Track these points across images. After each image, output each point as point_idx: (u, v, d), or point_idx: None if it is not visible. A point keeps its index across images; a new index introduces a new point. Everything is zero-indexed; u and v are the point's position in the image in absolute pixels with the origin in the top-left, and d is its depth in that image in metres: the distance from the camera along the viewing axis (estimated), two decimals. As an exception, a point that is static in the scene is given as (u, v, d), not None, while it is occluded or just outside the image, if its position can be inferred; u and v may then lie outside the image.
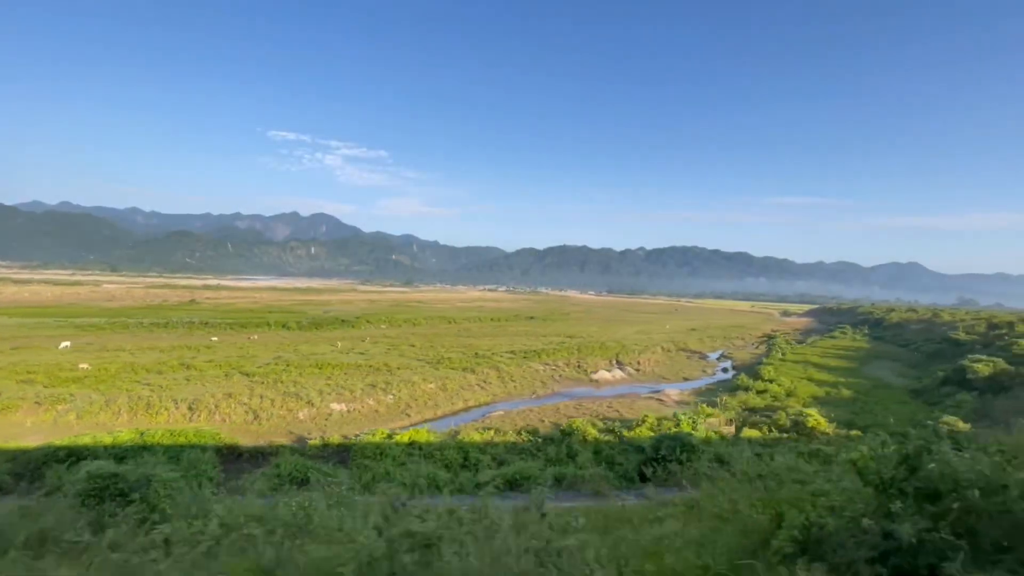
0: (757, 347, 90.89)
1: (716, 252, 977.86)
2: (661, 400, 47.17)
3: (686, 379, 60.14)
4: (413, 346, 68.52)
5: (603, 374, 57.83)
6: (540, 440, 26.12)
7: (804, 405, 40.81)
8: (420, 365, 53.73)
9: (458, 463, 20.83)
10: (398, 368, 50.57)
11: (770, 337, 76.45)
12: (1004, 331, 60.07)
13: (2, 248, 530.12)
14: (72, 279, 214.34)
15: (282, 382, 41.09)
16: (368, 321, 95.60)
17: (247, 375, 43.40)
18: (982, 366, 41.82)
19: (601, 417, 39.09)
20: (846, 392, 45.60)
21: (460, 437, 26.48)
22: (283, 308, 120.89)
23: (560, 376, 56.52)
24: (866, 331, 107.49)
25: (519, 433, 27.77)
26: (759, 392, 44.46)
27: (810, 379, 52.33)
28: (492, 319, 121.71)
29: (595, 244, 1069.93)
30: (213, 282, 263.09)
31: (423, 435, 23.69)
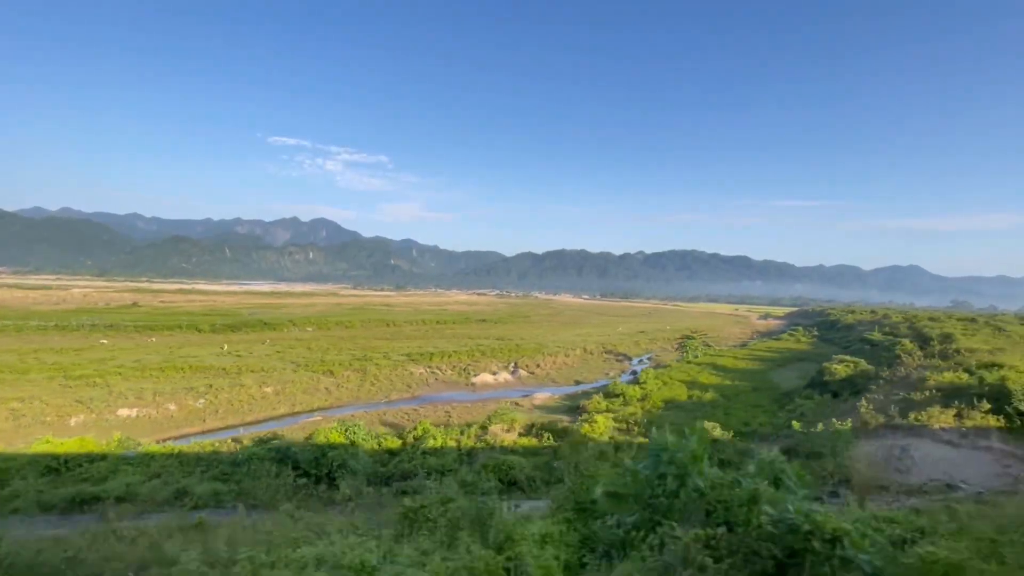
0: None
1: (715, 256, 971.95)
2: (519, 404, 44.51)
3: (578, 382, 57.40)
4: (309, 348, 66.16)
5: (485, 377, 55.17)
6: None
7: (650, 409, 38.23)
8: (285, 367, 51.29)
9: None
10: (252, 371, 48.15)
11: (688, 338, 73.55)
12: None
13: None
14: (41, 283, 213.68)
15: (94, 385, 38.81)
16: (294, 323, 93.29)
17: (71, 378, 41.08)
18: (842, 367, 38.96)
19: (432, 422, 36.56)
20: (710, 396, 42.78)
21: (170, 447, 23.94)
22: (223, 311, 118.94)
23: (436, 379, 53.99)
24: (815, 332, 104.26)
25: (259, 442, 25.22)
26: (612, 397, 41.75)
27: (693, 383, 49.45)
28: (439, 322, 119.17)
29: (594, 248, 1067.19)
30: (188, 286, 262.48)
31: (89, 444, 21.23)
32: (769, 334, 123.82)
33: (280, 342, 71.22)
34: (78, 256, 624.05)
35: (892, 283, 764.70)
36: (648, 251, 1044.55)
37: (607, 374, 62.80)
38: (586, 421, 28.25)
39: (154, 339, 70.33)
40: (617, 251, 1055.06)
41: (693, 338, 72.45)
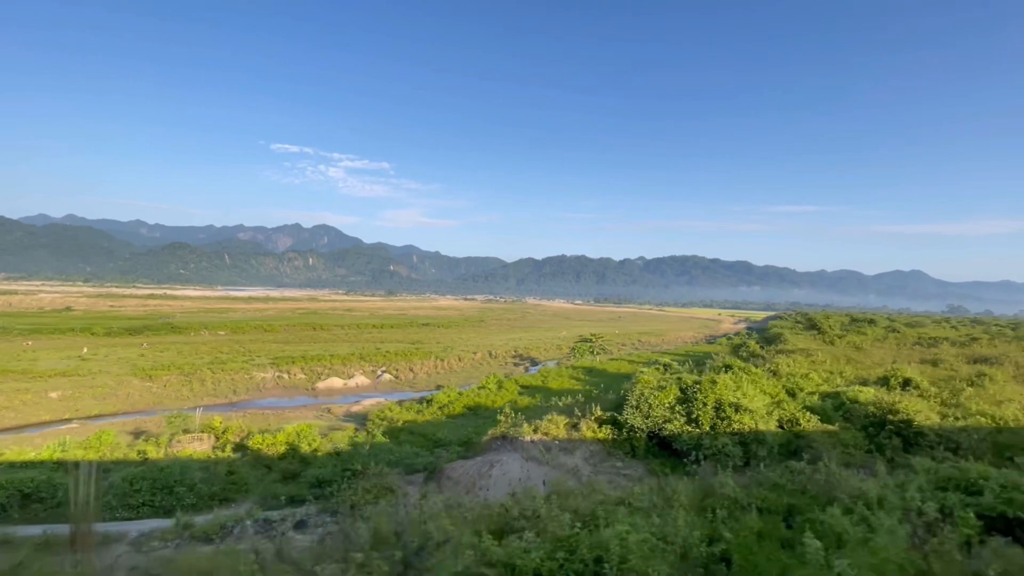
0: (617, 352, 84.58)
1: (715, 261, 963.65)
2: (331, 411, 41.55)
3: (439, 387, 54.02)
4: (180, 353, 63.61)
5: (333, 382, 52.22)
6: None
7: (438, 417, 35.23)
8: (118, 371, 48.74)
9: None
10: (69, 375, 45.72)
11: (586, 340, 70.26)
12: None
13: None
14: (11, 289, 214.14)
15: None
16: (206, 327, 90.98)
17: None
18: (649, 370, 35.66)
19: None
20: (528, 401, 39.52)
21: None
22: (160, 315, 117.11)
23: (277, 384, 51.16)
24: (754, 336, 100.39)
25: None
26: (424, 403, 38.90)
27: (537, 387, 46.32)
28: (375, 326, 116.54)
29: (594, 254, 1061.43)
30: (160, 292, 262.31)
31: None
32: (718, 338, 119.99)
33: (160, 346, 68.85)
34: (78, 263, 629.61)
35: (894, 288, 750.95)
36: (648, 257, 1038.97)
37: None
38: (274, 431, 25.21)
39: (30, 343, 68.13)
40: (617, 257, 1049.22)
41: (591, 341, 68.96)
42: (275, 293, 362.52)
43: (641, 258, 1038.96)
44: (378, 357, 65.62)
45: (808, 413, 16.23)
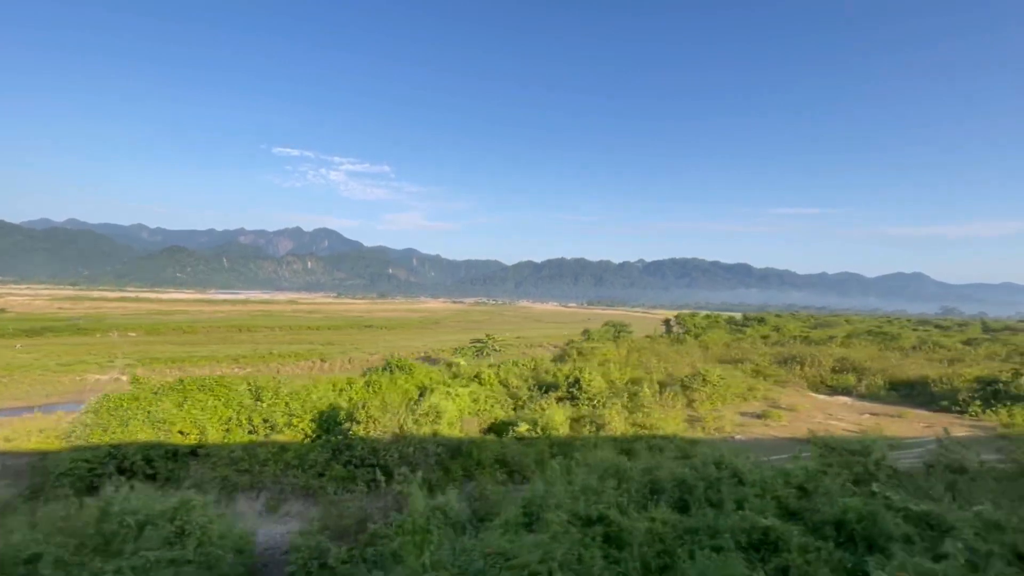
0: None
1: (716, 264, 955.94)
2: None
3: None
4: (46, 354, 61.33)
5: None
6: None
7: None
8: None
9: None
10: None
11: (479, 341, 67.08)
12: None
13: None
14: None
15: None
16: (116, 329, 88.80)
17: None
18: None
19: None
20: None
21: None
22: (90, 317, 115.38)
23: (111, 387, 48.39)
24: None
25: None
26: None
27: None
28: (313, 328, 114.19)
29: (593, 257, 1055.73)
30: (132, 294, 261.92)
31: None
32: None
33: (41, 347, 67.03)
34: (76, 266, 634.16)
35: (894, 290, 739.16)
36: (648, 259, 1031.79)
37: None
38: None
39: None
40: (617, 259, 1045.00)
41: (483, 342, 65.78)
42: (264, 296, 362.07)
43: (641, 260, 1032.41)
44: (255, 359, 62.86)
45: (299, 422, 13.10)
